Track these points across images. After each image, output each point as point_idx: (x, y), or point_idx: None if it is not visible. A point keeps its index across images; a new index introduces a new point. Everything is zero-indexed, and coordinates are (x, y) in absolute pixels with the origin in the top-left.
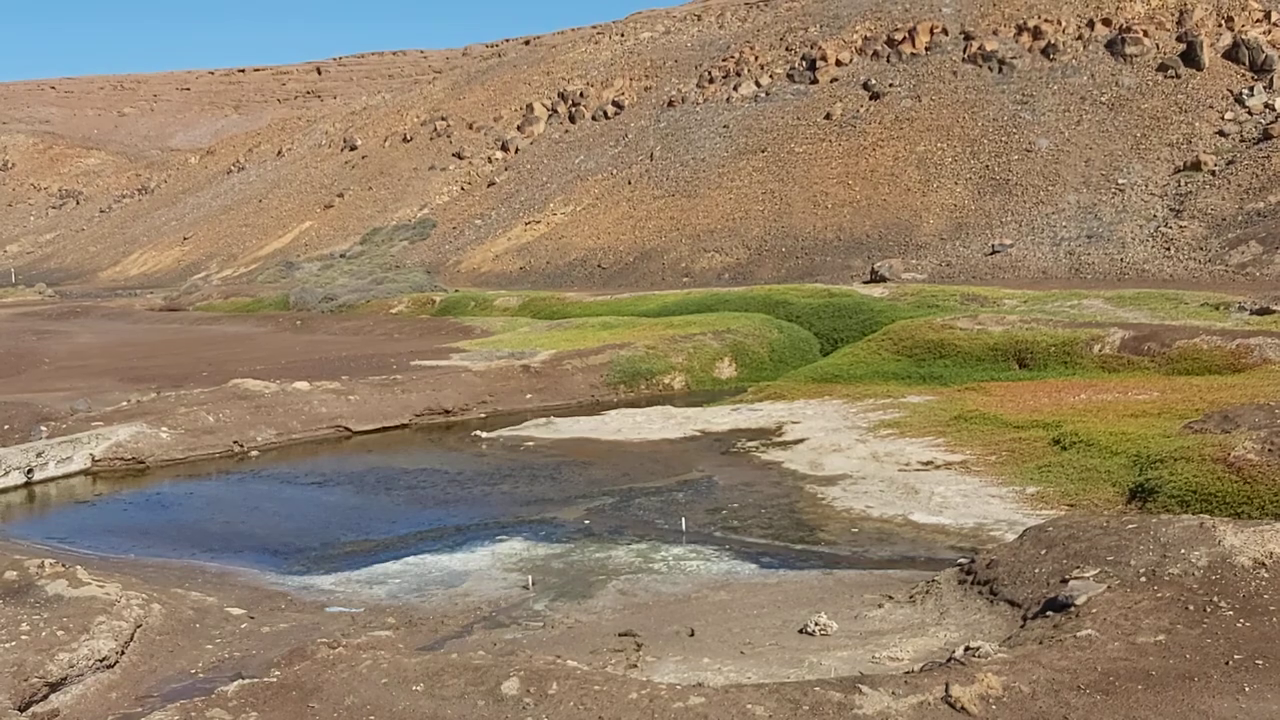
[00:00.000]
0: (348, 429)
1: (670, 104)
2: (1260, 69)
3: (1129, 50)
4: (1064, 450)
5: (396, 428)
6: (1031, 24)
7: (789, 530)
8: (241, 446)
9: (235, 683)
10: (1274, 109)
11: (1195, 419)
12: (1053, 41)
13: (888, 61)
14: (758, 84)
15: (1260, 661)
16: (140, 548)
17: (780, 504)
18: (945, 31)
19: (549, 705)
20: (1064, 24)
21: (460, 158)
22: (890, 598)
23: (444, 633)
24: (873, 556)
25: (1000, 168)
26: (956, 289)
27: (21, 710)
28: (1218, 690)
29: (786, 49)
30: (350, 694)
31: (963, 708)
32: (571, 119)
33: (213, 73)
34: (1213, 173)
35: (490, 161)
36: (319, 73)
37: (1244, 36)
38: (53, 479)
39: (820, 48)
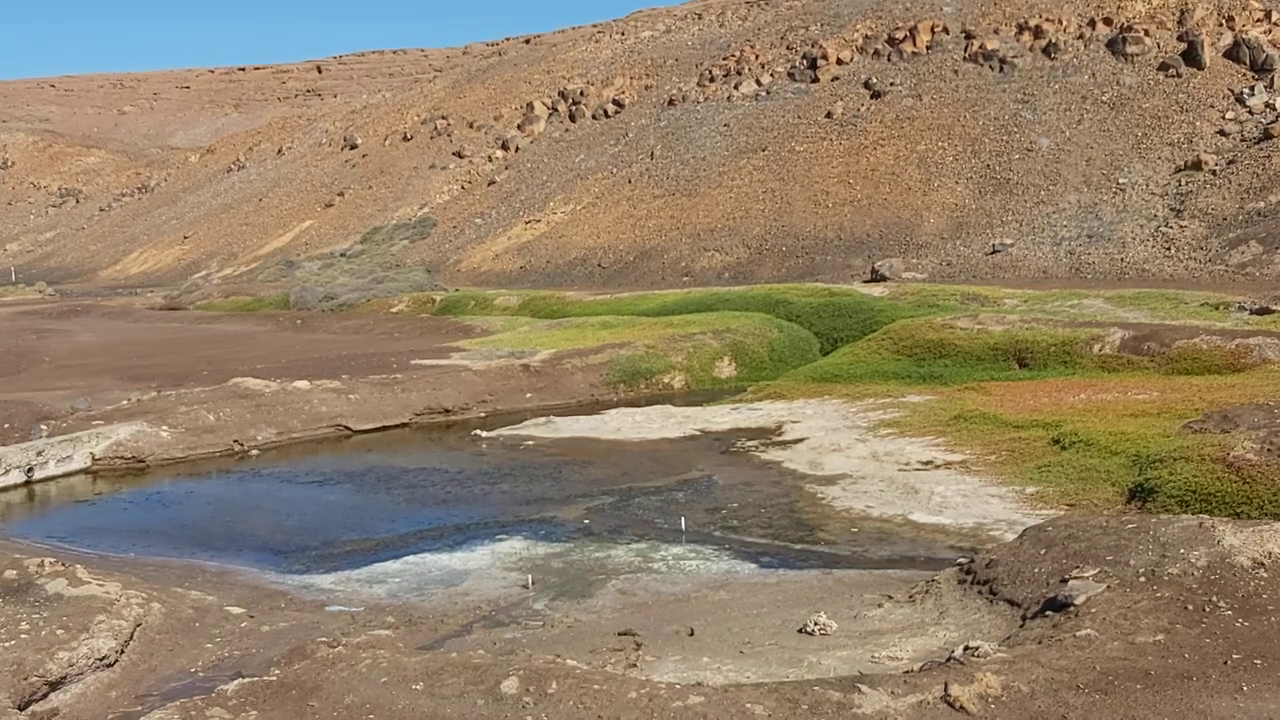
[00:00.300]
0: (348, 428)
1: (671, 103)
2: (1261, 68)
3: (1130, 49)
4: (1064, 450)
5: (397, 427)
6: (1032, 23)
7: (789, 530)
8: (242, 445)
9: (235, 681)
10: (1274, 108)
11: (1195, 419)
12: (1054, 41)
13: (889, 60)
14: (758, 83)
15: (1259, 661)
16: (140, 547)
17: (780, 503)
18: (946, 30)
19: (548, 704)
20: (1065, 23)
21: (460, 156)
22: (890, 597)
23: (444, 632)
24: (872, 556)
25: (1001, 167)
26: (957, 288)
27: (21, 709)
28: (1216, 690)
29: (787, 48)
30: (350, 693)
31: (962, 707)
32: (572, 118)
33: (213, 71)
34: (1213, 172)
35: (490, 160)
36: (319, 71)
37: (1245, 36)
38: (53, 478)
39: (821, 46)
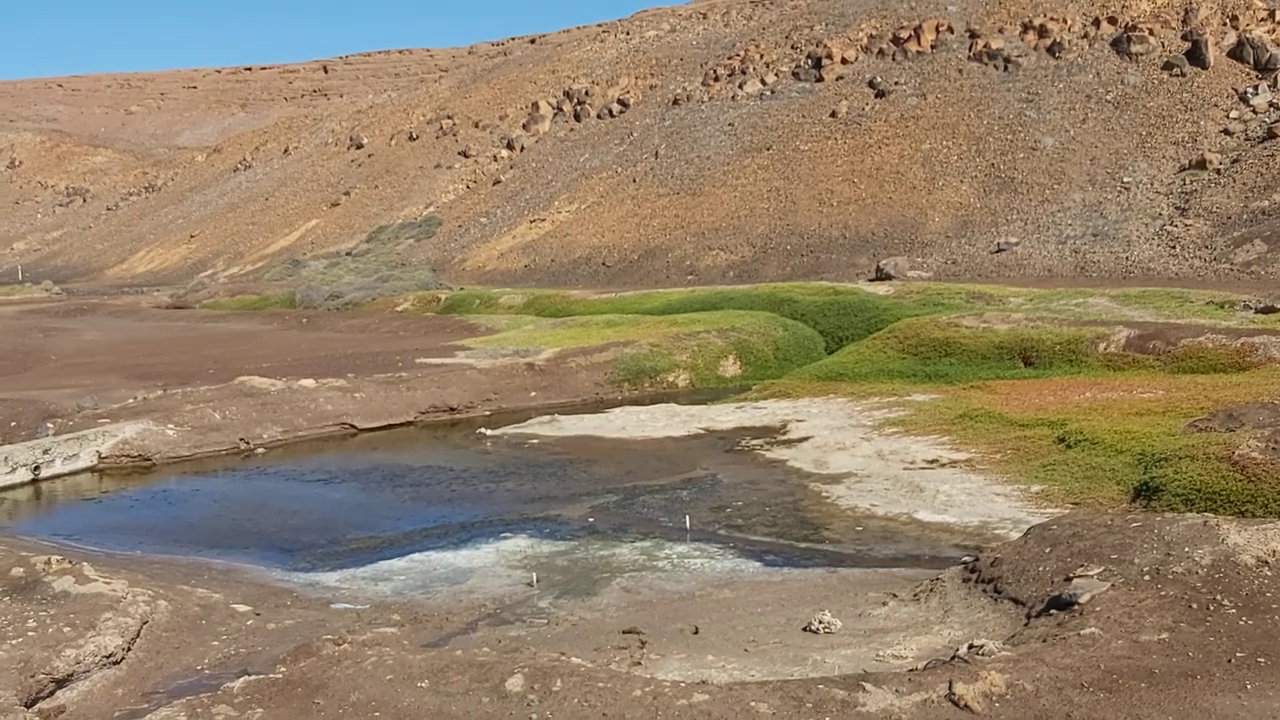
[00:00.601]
0: (353, 426)
1: (675, 102)
2: (1265, 68)
3: (1134, 49)
4: (1069, 449)
5: (402, 425)
6: (1037, 22)
7: (793, 528)
8: (247, 444)
9: (241, 679)
10: (1278, 108)
11: (1200, 417)
12: (1058, 40)
13: (893, 60)
14: (763, 82)
15: (1262, 659)
16: (146, 544)
17: (785, 502)
18: (951, 30)
19: (553, 702)
20: (1069, 22)
21: (466, 156)
22: (894, 596)
23: (449, 629)
24: (877, 555)
25: (1006, 166)
26: (962, 287)
27: (28, 706)
28: (1220, 688)
29: (792, 47)
30: (355, 690)
31: (966, 705)
32: (577, 117)
33: (220, 71)
34: (1218, 171)
35: (496, 160)
36: (326, 71)
37: (1248, 35)
38: (59, 476)
39: (826, 46)
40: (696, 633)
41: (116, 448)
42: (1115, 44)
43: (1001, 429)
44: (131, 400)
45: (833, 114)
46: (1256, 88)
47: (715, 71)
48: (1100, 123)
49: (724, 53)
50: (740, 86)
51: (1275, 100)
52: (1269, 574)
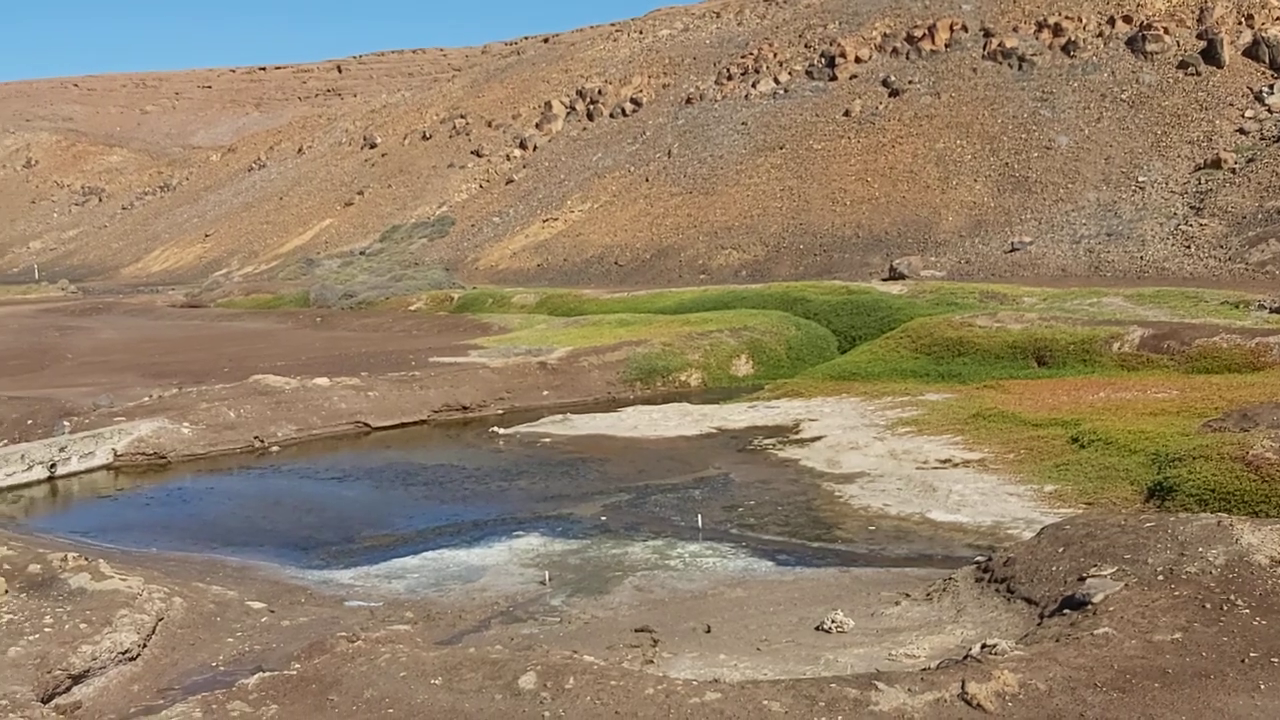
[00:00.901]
0: (367, 425)
1: (688, 101)
2: None
3: (1149, 47)
4: (1082, 448)
5: (415, 424)
6: (1052, 21)
7: (806, 528)
8: (262, 442)
9: (256, 675)
10: None
11: (1214, 417)
12: (1073, 38)
13: (907, 58)
14: (776, 81)
15: (1276, 659)
16: (162, 542)
17: (797, 501)
18: (965, 28)
19: (566, 700)
20: (1084, 21)
21: (479, 155)
22: (907, 595)
23: (461, 627)
24: (890, 554)
25: (1020, 165)
26: (975, 286)
27: (45, 702)
28: (1234, 688)
29: (805, 46)
30: (369, 687)
31: (979, 705)
32: (590, 116)
33: (234, 71)
34: (1233, 170)
35: (509, 159)
36: (339, 71)
37: (1264, 34)
38: (75, 474)
39: (839, 44)
40: (709, 631)
41: (132, 445)
42: (1130, 43)
43: (1015, 429)
44: (147, 398)
45: (846, 113)
46: (1272, 87)
47: (728, 70)
48: (1115, 122)
49: (737, 51)
50: (753, 85)
51: None
52: None
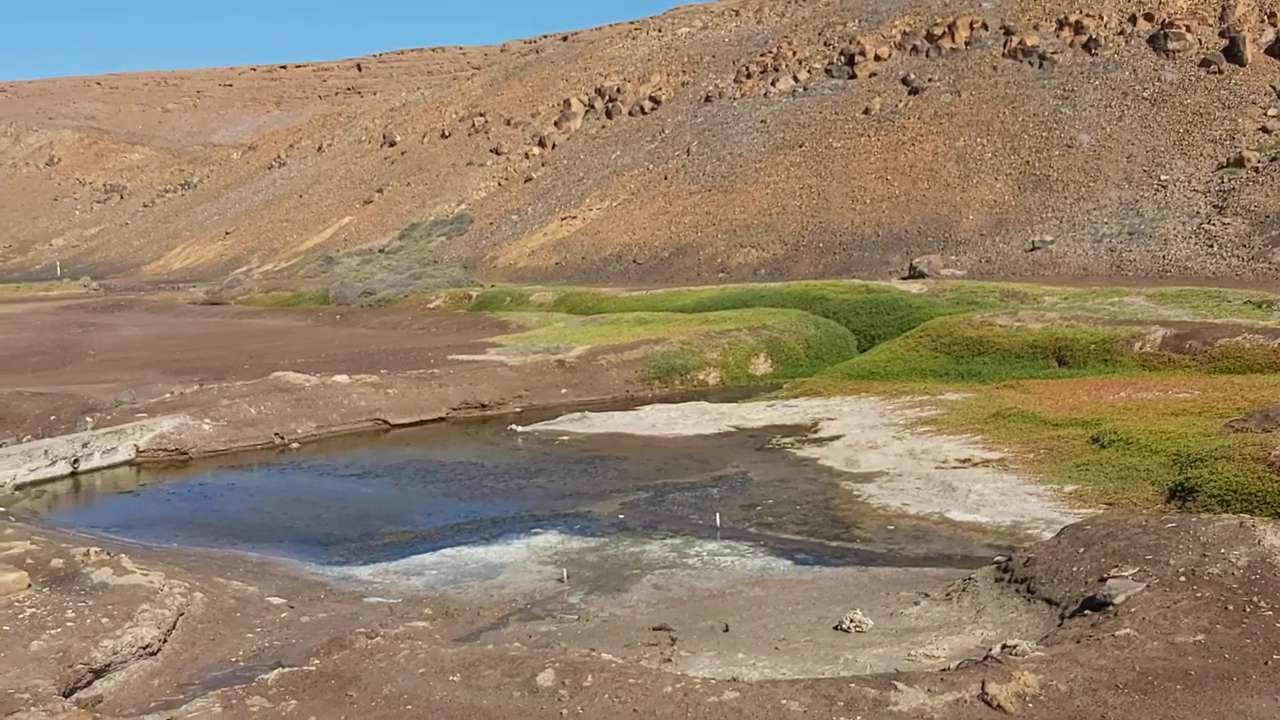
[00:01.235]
0: (386, 422)
1: (707, 99)
2: None
3: (1171, 45)
4: (1103, 449)
5: (434, 421)
6: (1073, 19)
7: (824, 527)
8: (282, 438)
9: (275, 671)
10: None
11: (1236, 418)
12: (1094, 36)
13: (927, 56)
14: (795, 79)
15: None
16: (183, 537)
17: (815, 500)
18: (985, 26)
19: (584, 697)
20: (1105, 19)
21: (498, 153)
22: (926, 595)
23: (480, 624)
24: (909, 554)
25: (1041, 163)
26: (996, 285)
27: (66, 695)
28: (1256, 690)
29: (825, 44)
30: (388, 683)
31: (999, 705)
32: (608, 114)
33: (255, 69)
34: (1256, 169)
35: (527, 157)
36: (359, 69)
37: None
38: (98, 469)
39: (859, 43)
40: (727, 630)
41: (154, 442)
42: (1152, 40)
43: (1035, 428)
44: (168, 395)
45: (866, 111)
46: None
47: (747, 68)
48: (1137, 120)
49: (756, 50)
50: (773, 83)
51: None
52: None
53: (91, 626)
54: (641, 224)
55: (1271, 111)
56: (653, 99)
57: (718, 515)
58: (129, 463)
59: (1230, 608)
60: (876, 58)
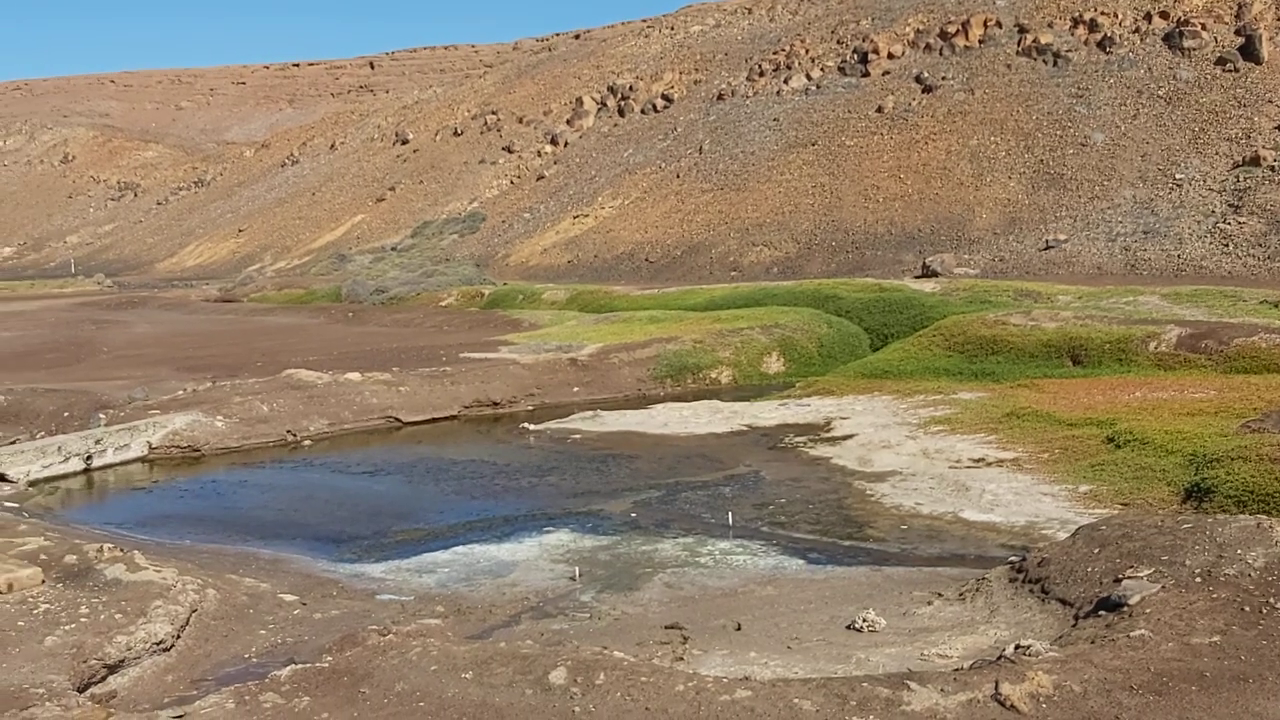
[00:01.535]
0: (398, 419)
1: (720, 97)
2: None
3: (1186, 43)
4: (1118, 449)
5: (446, 419)
6: (1087, 17)
7: (837, 526)
8: (294, 436)
9: (288, 667)
10: None
11: (1253, 418)
12: (1109, 34)
13: (940, 54)
14: (808, 77)
15: None
16: (196, 534)
17: (828, 500)
18: (999, 24)
19: (596, 695)
20: (1120, 17)
21: (510, 151)
22: (940, 595)
23: (492, 622)
24: (922, 553)
25: (1055, 162)
26: (1009, 284)
27: (81, 691)
28: (1273, 692)
29: (838, 42)
30: (400, 680)
31: (1012, 706)
32: (620, 113)
33: (268, 67)
34: (1272, 168)
35: (540, 155)
36: (372, 67)
37: None
38: (111, 466)
39: (872, 40)
40: (739, 629)
41: (166, 438)
42: (1167, 39)
43: (1049, 428)
44: (181, 392)
45: (879, 109)
46: None
47: (760, 66)
48: (1152, 118)
49: (769, 48)
50: (785, 81)
51: None
52: None
53: (105, 622)
54: (653, 222)
55: None
56: (665, 97)
57: (730, 514)
58: (142, 459)
59: (1246, 609)
60: (890, 56)
